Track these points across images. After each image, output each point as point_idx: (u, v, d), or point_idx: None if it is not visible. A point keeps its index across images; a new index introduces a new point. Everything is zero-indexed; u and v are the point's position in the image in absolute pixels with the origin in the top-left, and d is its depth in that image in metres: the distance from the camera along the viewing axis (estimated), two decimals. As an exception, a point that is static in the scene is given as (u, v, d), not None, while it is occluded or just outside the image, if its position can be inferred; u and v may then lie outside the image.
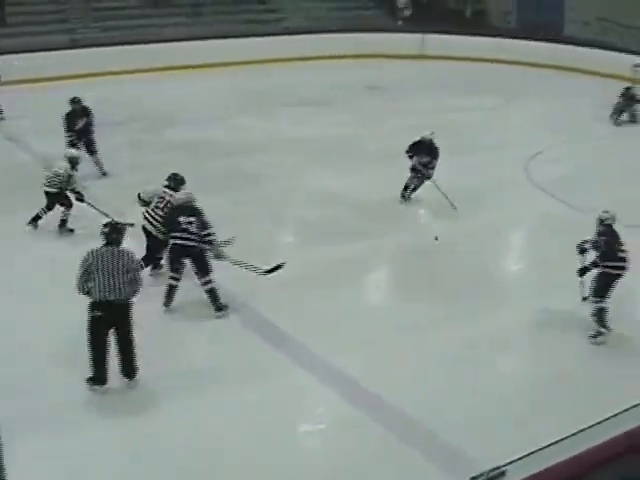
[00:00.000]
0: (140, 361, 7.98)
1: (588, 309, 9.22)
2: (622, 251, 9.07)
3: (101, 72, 21.27)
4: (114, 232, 7.96)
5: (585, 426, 4.45)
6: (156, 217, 10.13)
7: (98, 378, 7.85)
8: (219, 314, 9.50)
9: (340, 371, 8.36)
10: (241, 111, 18.82)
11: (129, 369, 7.96)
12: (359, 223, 12.41)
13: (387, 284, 11.35)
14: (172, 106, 19.10)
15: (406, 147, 13.11)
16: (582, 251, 9.27)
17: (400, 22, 29.46)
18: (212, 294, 9.47)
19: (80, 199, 11.87)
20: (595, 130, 18.58)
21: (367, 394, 8.00)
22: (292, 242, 12.44)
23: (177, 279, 9.55)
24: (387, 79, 22.87)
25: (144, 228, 10.20)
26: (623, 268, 9.05)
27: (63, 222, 11.83)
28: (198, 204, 9.56)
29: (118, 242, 7.91)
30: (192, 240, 9.33)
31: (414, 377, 8.31)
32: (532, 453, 4.17)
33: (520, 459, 4.11)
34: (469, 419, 7.61)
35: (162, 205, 10.15)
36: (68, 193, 11.84)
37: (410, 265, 11.28)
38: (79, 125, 14.02)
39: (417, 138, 13.10)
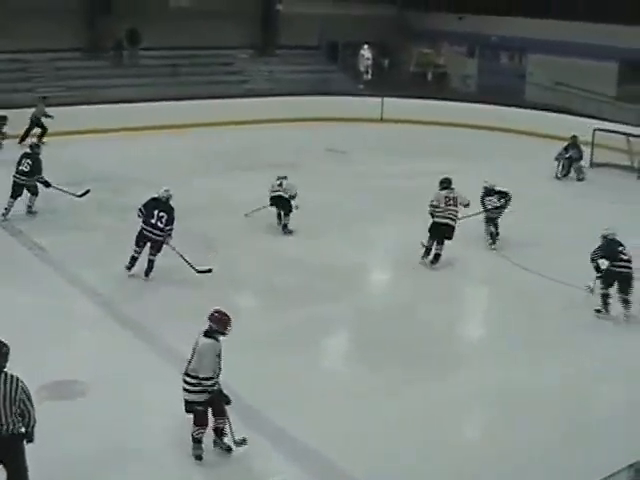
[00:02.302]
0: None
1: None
2: (624, 254, 11.43)
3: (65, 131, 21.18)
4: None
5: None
6: None
7: None
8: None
9: (301, 441, 8.21)
10: (201, 173, 18.80)
11: None
12: (318, 286, 12.46)
13: (349, 348, 11.28)
14: (134, 166, 19.06)
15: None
16: (592, 260, 11.50)
17: (361, 86, 29.83)
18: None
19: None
20: (553, 194, 18.76)
21: (333, 466, 7.87)
22: (252, 305, 12.43)
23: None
24: (347, 142, 22.98)
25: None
26: (626, 267, 11.37)
27: None
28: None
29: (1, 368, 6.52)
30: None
31: (379, 446, 8.17)
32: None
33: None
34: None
35: None
36: None
37: (370, 329, 11.22)
38: None
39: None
